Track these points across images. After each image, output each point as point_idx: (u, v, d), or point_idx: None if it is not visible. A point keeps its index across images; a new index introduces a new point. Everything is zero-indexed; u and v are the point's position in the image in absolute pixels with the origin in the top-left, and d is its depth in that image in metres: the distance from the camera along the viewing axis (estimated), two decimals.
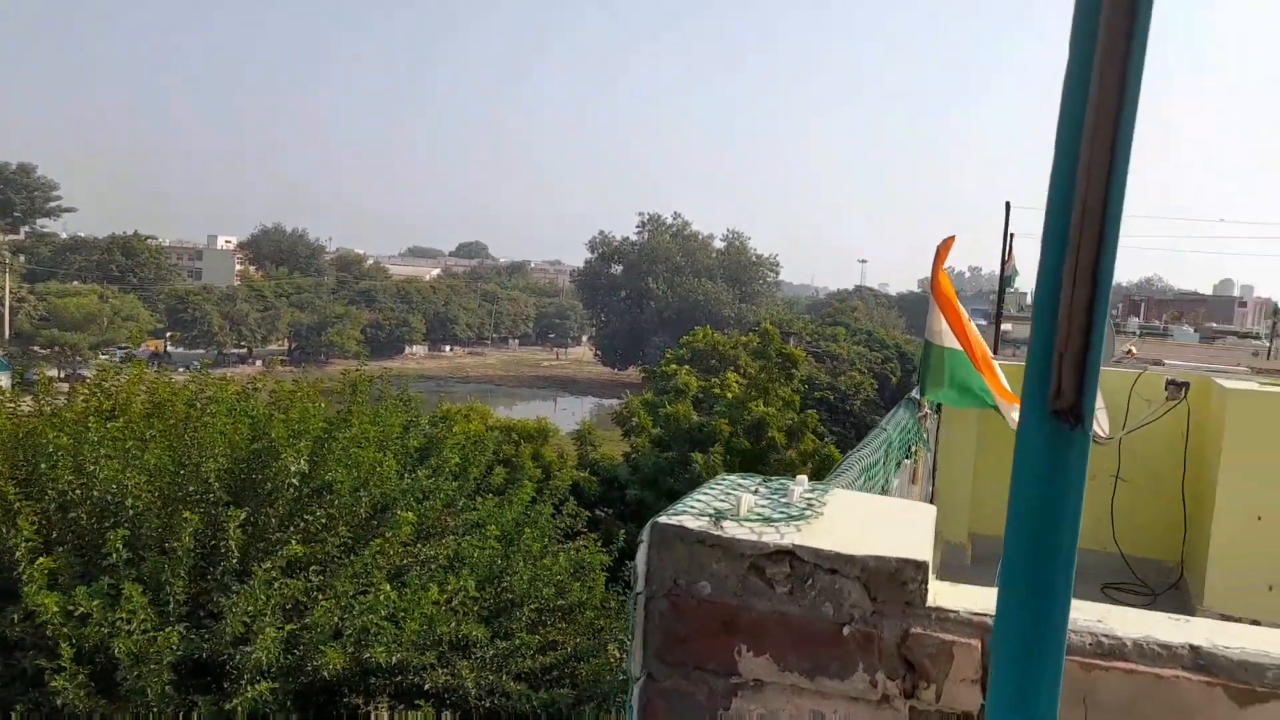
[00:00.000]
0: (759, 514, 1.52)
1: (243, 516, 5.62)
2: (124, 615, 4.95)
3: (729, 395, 23.88)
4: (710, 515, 1.49)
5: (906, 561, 1.36)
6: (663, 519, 1.48)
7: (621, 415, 24.10)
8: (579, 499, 11.09)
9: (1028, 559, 0.90)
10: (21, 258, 76.99)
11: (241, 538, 5.61)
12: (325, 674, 5.30)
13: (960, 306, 3.52)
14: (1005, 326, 24.04)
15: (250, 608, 5.25)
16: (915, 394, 4.53)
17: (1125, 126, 0.82)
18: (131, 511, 5.61)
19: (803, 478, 1.69)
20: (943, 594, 1.40)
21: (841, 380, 43.66)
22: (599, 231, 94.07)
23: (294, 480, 6.02)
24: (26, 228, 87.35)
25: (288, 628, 5.30)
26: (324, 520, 6.03)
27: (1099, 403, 4.68)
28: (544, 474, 16.86)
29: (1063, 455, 0.86)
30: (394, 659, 5.49)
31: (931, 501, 5.30)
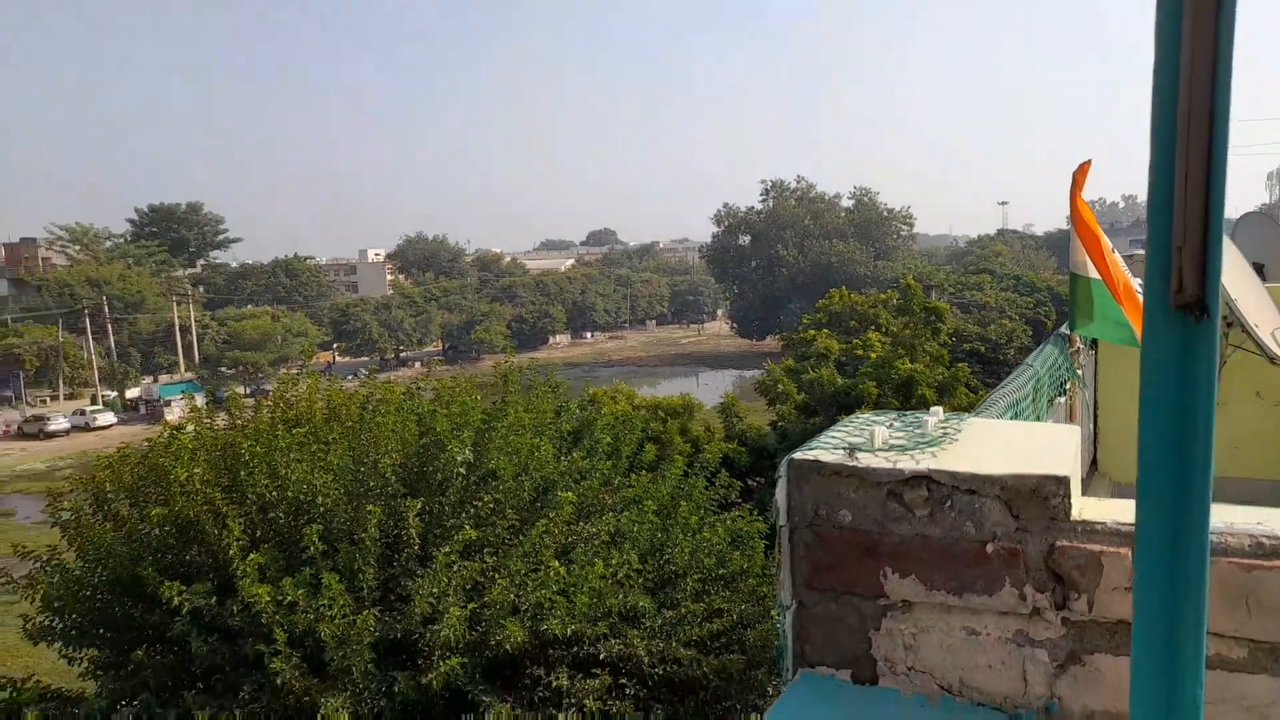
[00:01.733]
0: (894, 444, 1.55)
1: (419, 506, 6.04)
2: (325, 602, 5.45)
3: (872, 356, 23.33)
4: (845, 449, 1.54)
5: (1047, 477, 1.36)
6: (798, 455, 1.53)
7: (764, 385, 23.95)
8: (730, 470, 11.19)
9: (1164, 460, 0.88)
10: (201, 288, 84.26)
11: (420, 525, 6.04)
12: (508, 647, 5.64)
13: (1103, 235, 3.33)
14: None
15: (434, 589, 5.66)
16: (1065, 329, 4.34)
17: (1227, 10, 0.81)
18: (322, 508, 6.13)
19: (937, 409, 1.70)
20: (1089, 508, 1.40)
21: (991, 329, 41.67)
22: (723, 204, 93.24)
23: (461, 469, 6.41)
24: (202, 261, 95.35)
25: (470, 606, 5.68)
26: (491, 505, 6.39)
27: (1276, 319, 4.31)
28: (693, 448, 17.05)
29: (1191, 350, 0.85)
30: (569, 631, 5.77)
31: (1094, 442, 5.06)
